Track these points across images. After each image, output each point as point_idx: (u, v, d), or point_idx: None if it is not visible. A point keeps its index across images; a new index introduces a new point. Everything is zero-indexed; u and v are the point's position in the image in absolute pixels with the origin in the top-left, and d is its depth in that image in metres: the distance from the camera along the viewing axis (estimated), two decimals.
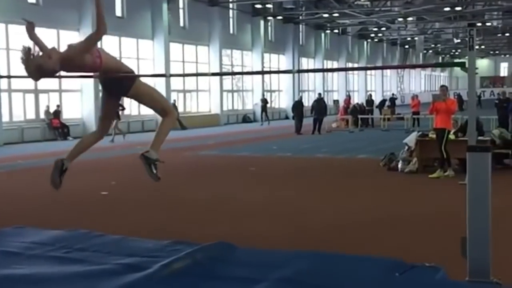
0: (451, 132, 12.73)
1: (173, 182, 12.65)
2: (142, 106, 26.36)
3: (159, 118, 5.28)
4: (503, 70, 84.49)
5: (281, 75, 43.37)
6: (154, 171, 5.02)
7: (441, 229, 7.48)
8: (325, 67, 48.41)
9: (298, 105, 28.06)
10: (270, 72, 39.01)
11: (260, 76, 39.97)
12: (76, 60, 4.89)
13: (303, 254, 5.24)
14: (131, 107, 29.51)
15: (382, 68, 61.89)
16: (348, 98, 35.55)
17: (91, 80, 26.00)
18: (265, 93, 40.15)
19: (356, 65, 55.89)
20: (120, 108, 23.75)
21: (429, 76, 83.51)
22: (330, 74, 52.19)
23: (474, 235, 4.49)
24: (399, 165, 13.44)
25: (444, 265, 4.64)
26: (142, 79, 5.49)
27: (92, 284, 4.46)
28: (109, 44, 28.95)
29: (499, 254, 4.92)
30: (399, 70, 67.86)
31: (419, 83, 76.69)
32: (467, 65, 4.52)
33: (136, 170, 14.17)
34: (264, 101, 35.24)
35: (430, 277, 4.39)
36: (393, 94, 43.79)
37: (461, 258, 4.59)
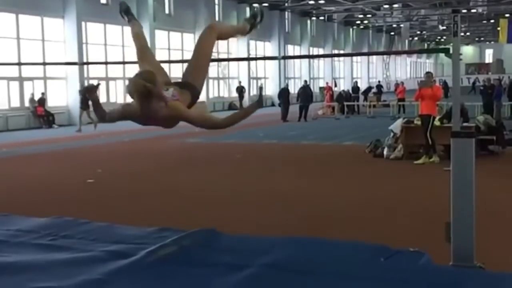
0: (436, 119, 12.80)
1: (159, 169, 12.64)
2: (113, 93, 25.88)
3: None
4: (488, 57, 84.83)
5: (267, 62, 43.30)
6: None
7: (426, 215, 7.53)
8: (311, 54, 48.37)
9: (284, 92, 28.04)
10: (255, 59, 39.02)
11: (246, 63, 39.87)
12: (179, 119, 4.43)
13: (287, 240, 5.26)
14: (117, 94, 29.38)
15: (367, 54, 62.03)
16: (328, 86, 35.51)
17: (76, 68, 25.83)
18: (250, 80, 40.10)
19: (342, 52, 55.90)
20: None
21: (415, 63, 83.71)
22: (316, 61, 52.16)
23: (458, 221, 4.53)
24: (385, 152, 13.50)
25: (429, 250, 4.68)
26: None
27: (78, 271, 4.46)
28: (94, 31, 28.80)
29: (483, 239, 4.97)
30: (384, 57, 67.91)
31: (404, 70, 76.86)
32: (451, 51, 4.54)
33: (122, 157, 14.18)
34: (240, 89, 34.65)
35: (414, 261, 4.43)
36: (379, 81, 43.90)
37: (445, 243, 4.64)
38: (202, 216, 7.77)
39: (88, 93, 4.19)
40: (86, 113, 22.89)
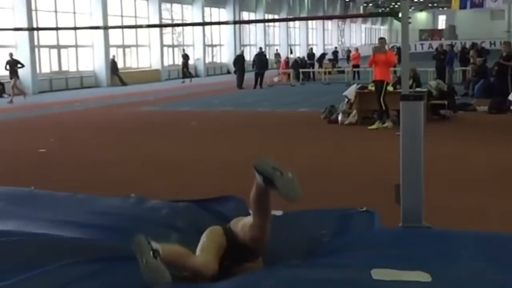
0: (390, 84, 12.95)
1: (114, 138, 12.53)
2: (80, 61, 25.44)
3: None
4: (441, 23, 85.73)
5: (222, 29, 42.91)
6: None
7: (377, 178, 7.65)
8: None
9: (239, 60, 27.95)
10: (208, 24, 38.72)
11: (201, 30, 39.43)
12: None
13: None
14: (69, 62, 28.84)
15: (321, 18, 62.04)
16: (278, 53, 35.60)
17: (26, 35, 25.19)
18: (206, 47, 39.87)
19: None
20: (19, 65, 22.87)
21: (370, 30, 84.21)
22: (271, 28, 51.93)
23: (407, 183, 4.61)
24: (339, 118, 13.64)
25: (379, 212, 4.76)
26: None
27: None
28: None
29: (431, 200, 5.09)
30: (339, 23, 68.12)
31: (359, 36, 77.29)
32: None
33: (76, 126, 14.00)
34: (185, 57, 34.23)
35: (364, 222, 4.50)
36: (335, 48, 44.09)
37: (395, 205, 4.72)
38: (157, 183, 7.76)
39: None
40: (13, 82, 22.10)
